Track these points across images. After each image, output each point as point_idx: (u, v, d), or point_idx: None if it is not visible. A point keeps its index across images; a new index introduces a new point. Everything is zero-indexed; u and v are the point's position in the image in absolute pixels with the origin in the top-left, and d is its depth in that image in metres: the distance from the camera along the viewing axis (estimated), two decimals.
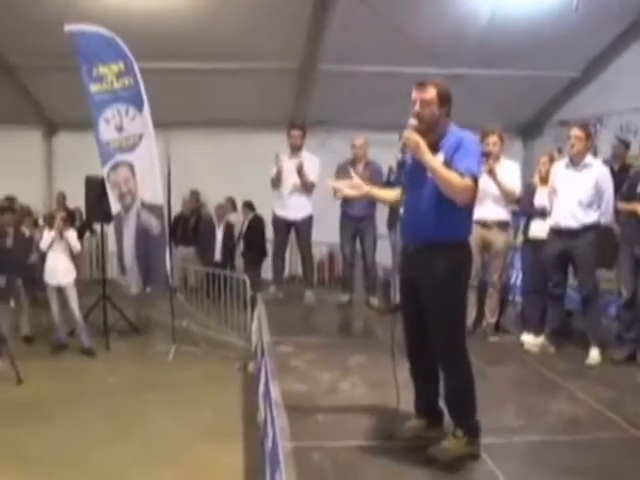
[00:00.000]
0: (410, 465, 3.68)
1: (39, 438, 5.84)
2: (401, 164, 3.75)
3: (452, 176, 3.55)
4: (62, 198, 12.21)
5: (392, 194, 4.13)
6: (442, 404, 3.98)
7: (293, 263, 11.05)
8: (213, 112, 12.18)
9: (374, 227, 8.02)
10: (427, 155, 3.59)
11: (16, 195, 11.91)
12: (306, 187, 8.02)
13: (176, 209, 11.96)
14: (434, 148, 3.65)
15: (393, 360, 3.85)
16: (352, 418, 4.36)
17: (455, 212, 3.64)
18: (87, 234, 12.08)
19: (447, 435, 3.80)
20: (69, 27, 8.11)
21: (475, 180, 3.60)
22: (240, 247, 11.71)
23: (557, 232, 6.15)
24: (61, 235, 8.39)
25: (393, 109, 9.77)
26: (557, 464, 3.75)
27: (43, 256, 8.68)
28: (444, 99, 3.71)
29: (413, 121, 3.68)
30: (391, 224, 7.73)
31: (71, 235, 8.53)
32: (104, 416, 6.35)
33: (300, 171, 7.88)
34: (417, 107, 3.70)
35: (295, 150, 8.09)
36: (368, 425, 4.22)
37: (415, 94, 3.71)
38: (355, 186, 4.17)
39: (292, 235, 8.50)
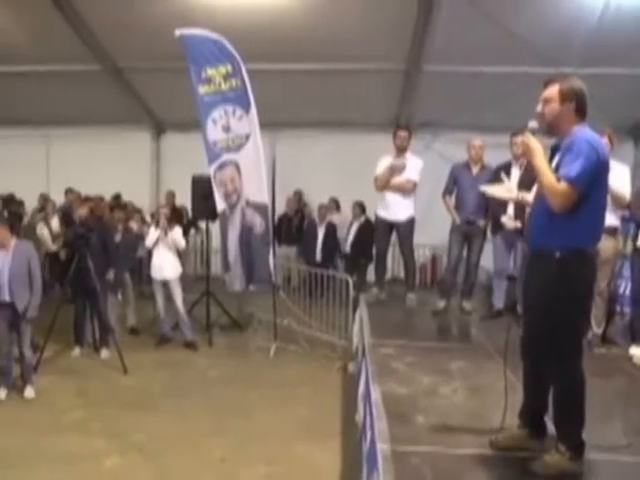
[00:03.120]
0: (509, 476, 3.60)
1: (142, 426, 6.05)
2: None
3: (550, 181, 3.43)
4: (171, 196, 12.49)
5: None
6: (547, 417, 3.86)
7: (395, 265, 10.99)
8: (319, 113, 12.26)
9: (484, 233, 7.85)
10: (536, 158, 3.50)
11: (122, 193, 12.34)
12: (406, 187, 7.95)
13: (280, 208, 12.09)
14: (557, 150, 3.56)
15: (505, 368, 3.77)
16: (453, 423, 4.28)
17: (567, 219, 3.45)
18: (192, 231, 12.34)
19: (550, 449, 3.67)
20: (179, 31, 8.32)
21: (572, 186, 3.37)
22: (346, 248, 11.63)
23: None
24: (165, 233, 8.63)
25: (499, 110, 9.67)
26: None
27: (150, 252, 8.97)
28: (567, 96, 3.53)
29: (532, 123, 3.59)
30: (495, 229, 7.55)
31: (176, 233, 8.77)
32: (205, 409, 6.50)
33: (400, 171, 7.84)
34: (539, 106, 3.61)
35: (401, 151, 8.03)
36: (469, 432, 4.14)
37: (542, 93, 3.62)
38: (508, 190, 4.04)
39: (394, 237, 8.43)
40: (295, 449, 5.59)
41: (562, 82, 3.57)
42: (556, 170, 3.49)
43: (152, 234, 8.77)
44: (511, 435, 3.89)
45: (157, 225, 8.77)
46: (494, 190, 4.22)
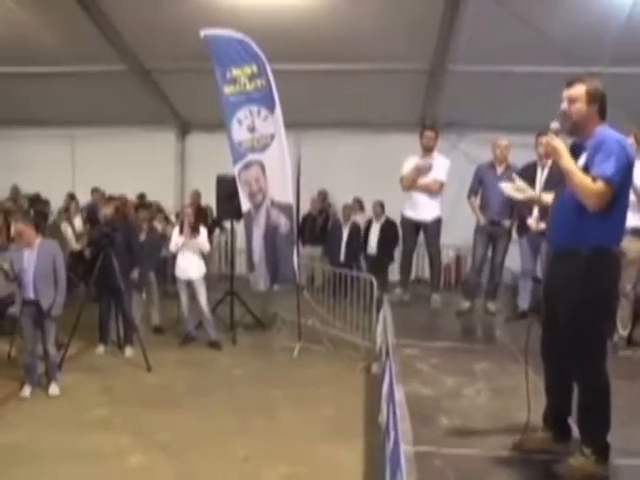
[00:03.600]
0: (533, 479, 3.56)
1: (166, 424, 6.08)
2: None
3: (584, 180, 3.41)
4: (196, 196, 12.54)
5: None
6: (571, 420, 3.81)
7: (419, 265, 10.94)
8: (344, 113, 12.25)
9: (509, 233, 7.79)
10: (564, 159, 3.48)
11: (146, 193, 12.42)
12: (433, 188, 7.91)
13: (305, 208, 12.10)
14: (581, 150, 3.53)
15: (526, 370, 3.73)
16: (476, 425, 4.26)
17: (599, 218, 3.44)
18: (217, 231, 12.38)
19: (574, 452, 3.62)
20: (204, 32, 8.35)
21: (609, 185, 3.37)
22: (370, 248, 11.57)
23: None
24: (190, 238, 8.66)
25: (526, 110, 9.58)
26: None
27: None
28: (593, 96, 3.54)
29: (554, 124, 3.57)
30: (521, 230, 7.49)
31: (202, 237, 8.80)
32: (228, 408, 6.52)
33: (426, 171, 7.81)
34: (564, 105, 3.59)
35: (427, 151, 7.99)
36: (492, 434, 4.11)
37: (564, 92, 3.60)
38: (518, 189, 4.01)
39: (420, 237, 8.40)
40: (318, 449, 5.58)
41: (587, 83, 3.57)
42: (584, 170, 3.46)
43: (176, 238, 8.80)
44: (535, 438, 3.86)
45: (182, 227, 8.80)
46: (506, 188, 4.19)
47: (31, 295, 6.64)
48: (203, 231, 8.86)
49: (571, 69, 8.32)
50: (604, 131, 3.53)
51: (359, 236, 11.69)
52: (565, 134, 3.55)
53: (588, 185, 3.39)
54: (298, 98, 10.05)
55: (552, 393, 3.86)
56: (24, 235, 6.65)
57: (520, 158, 7.44)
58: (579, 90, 3.54)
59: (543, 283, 3.87)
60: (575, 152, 3.60)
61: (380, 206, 11.50)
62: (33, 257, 6.63)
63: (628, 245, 6.19)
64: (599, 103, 3.56)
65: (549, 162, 6.31)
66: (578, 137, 3.60)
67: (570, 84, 3.59)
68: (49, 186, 12.77)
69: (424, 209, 8.04)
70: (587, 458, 3.52)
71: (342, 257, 11.51)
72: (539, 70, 9.64)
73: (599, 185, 3.37)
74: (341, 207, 12.43)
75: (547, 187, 4.21)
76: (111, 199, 9.46)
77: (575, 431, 3.77)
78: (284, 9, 9.33)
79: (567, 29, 8.91)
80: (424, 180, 7.92)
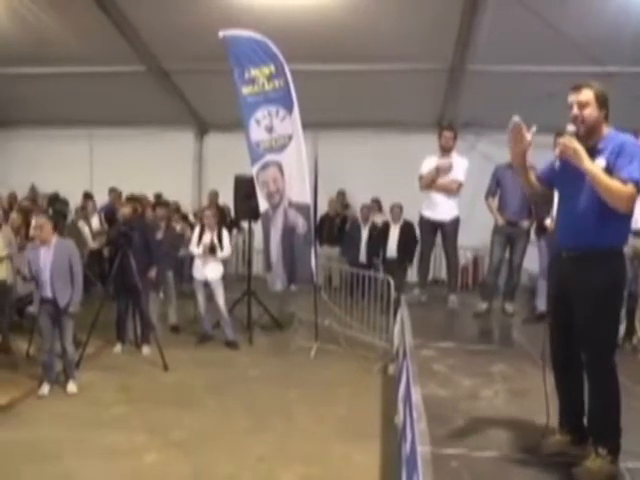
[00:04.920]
0: None
1: (182, 422, 6.11)
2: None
3: (614, 184, 3.42)
4: (214, 196, 12.59)
5: (533, 180, 4.01)
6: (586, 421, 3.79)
7: (437, 266, 10.90)
8: (362, 113, 12.23)
9: (527, 234, 7.74)
10: (586, 162, 3.48)
11: (164, 193, 12.46)
12: (452, 188, 7.89)
13: (322, 209, 12.08)
14: (592, 153, 3.52)
15: (544, 372, 3.71)
16: (493, 427, 4.23)
17: (614, 219, 3.49)
18: (235, 231, 12.40)
19: (590, 454, 3.59)
20: (223, 32, 8.37)
21: (638, 187, 3.42)
22: (390, 251, 11.42)
23: None
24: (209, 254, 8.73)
25: (545, 110, 9.47)
26: None
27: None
28: (602, 101, 3.59)
29: (571, 127, 3.57)
30: (540, 232, 7.45)
31: (225, 246, 8.86)
32: (245, 407, 6.54)
33: (446, 171, 7.78)
34: (575, 110, 3.59)
35: (446, 151, 7.96)
36: (509, 436, 4.08)
37: (571, 97, 3.62)
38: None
39: (438, 238, 8.36)
40: (334, 449, 5.58)
41: (594, 87, 3.60)
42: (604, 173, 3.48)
43: (195, 244, 8.85)
44: (553, 441, 3.83)
45: (202, 230, 8.86)
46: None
47: (49, 293, 6.69)
48: (226, 241, 8.91)
49: (590, 69, 8.30)
50: (617, 134, 3.59)
51: (379, 237, 11.63)
52: (580, 138, 3.54)
53: (619, 188, 3.41)
54: (316, 98, 10.04)
55: (564, 396, 3.84)
56: (44, 228, 6.69)
57: (539, 159, 7.38)
58: (588, 95, 3.58)
59: (554, 285, 3.85)
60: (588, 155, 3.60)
61: (399, 208, 11.44)
62: (49, 256, 6.68)
63: None
64: (606, 107, 3.61)
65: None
66: (588, 140, 3.59)
67: (577, 89, 3.61)
68: (67, 186, 12.81)
69: (442, 209, 8.01)
70: (603, 459, 3.50)
71: (363, 258, 11.45)
72: (558, 70, 9.55)
73: (630, 188, 3.41)
74: (359, 207, 12.41)
75: None
76: (129, 199, 9.50)
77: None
78: (302, 10, 9.33)
79: (586, 28, 8.84)
80: (442, 180, 7.88)
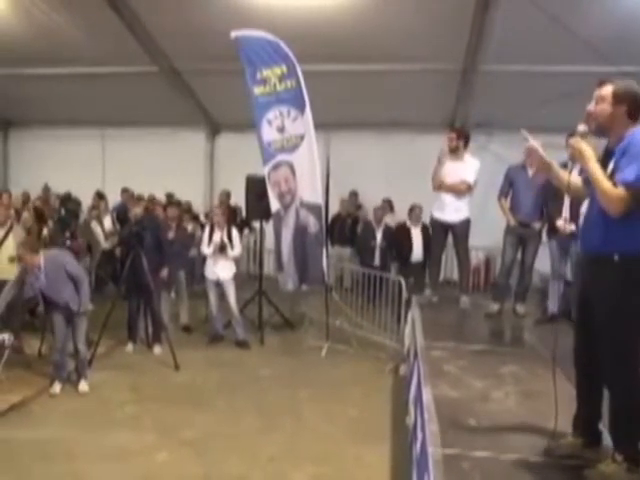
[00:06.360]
0: None
1: (193, 422, 6.13)
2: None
3: (606, 186, 3.34)
4: (226, 196, 12.59)
5: (573, 179, 3.86)
6: (602, 425, 3.75)
7: (448, 267, 10.87)
8: (374, 114, 12.23)
9: (539, 235, 7.72)
10: (590, 162, 3.42)
11: (176, 192, 12.49)
12: (460, 189, 7.87)
13: (334, 209, 12.07)
14: (611, 154, 3.47)
15: (554, 374, 3.68)
16: (505, 429, 4.20)
17: (624, 223, 3.35)
18: (246, 231, 12.41)
19: (605, 458, 3.55)
20: (235, 33, 8.38)
21: (630, 191, 3.27)
22: (415, 255, 11.30)
23: None
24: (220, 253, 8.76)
25: (557, 110, 9.47)
26: None
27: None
28: (620, 97, 3.44)
29: (581, 127, 3.52)
30: (551, 233, 7.41)
31: (235, 251, 8.87)
32: (255, 407, 6.55)
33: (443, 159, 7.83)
34: (591, 105, 3.53)
35: (452, 152, 7.93)
36: (521, 438, 4.05)
37: (595, 92, 3.54)
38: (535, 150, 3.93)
39: (449, 239, 8.34)
40: (344, 450, 5.58)
41: (616, 84, 3.49)
42: (612, 175, 3.40)
43: (206, 244, 8.88)
44: (565, 443, 3.79)
45: (212, 230, 8.88)
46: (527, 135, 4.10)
47: (59, 302, 6.76)
48: (236, 239, 8.92)
49: (603, 69, 8.23)
50: (633, 134, 3.42)
51: (393, 238, 11.59)
52: (593, 135, 3.49)
53: (609, 190, 3.33)
54: (328, 99, 10.04)
55: (583, 398, 3.80)
56: (25, 258, 6.70)
57: (552, 159, 7.36)
58: (607, 91, 3.47)
59: (576, 287, 3.82)
60: (608, 156, 3.54)
61: (419, 209, 11.27)
62: (43, 277, 6.67)
63: None
64: (627, 105, 3.44)
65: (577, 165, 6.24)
66: (605, 138, 3.53)
67: (601, 84, 3.53)
68: (80, 185, 12.86)
69: (452, 210, 7.98)
70: (619, 465, 3.44)
71: (377, 260, 11.37)
72: (571, 70, 9.51)
73: (619, 191, 3.30)
74: (371, 208, 12.35)
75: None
76: (140, 199, 9.53)
77: (606, 438, 3.70)
78: (314, 10, 9.32)
79: (599, 28, 8.78)
80: (451, 181, 7.87)
